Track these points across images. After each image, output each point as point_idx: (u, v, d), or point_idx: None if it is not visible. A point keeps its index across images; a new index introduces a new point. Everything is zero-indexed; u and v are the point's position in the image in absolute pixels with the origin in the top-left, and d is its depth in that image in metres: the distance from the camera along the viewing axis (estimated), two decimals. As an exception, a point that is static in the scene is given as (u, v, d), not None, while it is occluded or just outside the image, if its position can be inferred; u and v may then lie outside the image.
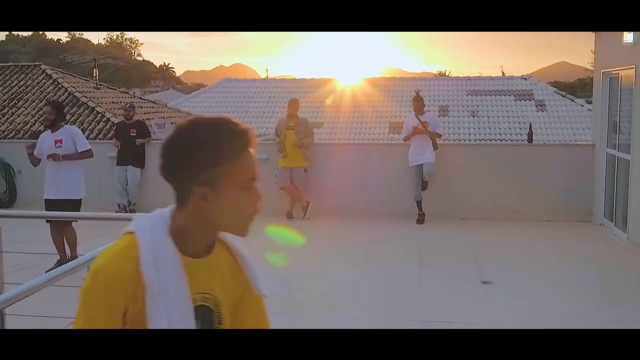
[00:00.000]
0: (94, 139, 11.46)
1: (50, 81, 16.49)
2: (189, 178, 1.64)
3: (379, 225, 9.06)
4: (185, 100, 26.80)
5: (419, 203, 9.37)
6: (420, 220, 9.29)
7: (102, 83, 18.59)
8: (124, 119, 10.65)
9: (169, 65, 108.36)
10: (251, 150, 1.67)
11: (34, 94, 16.01)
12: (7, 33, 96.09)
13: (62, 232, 6.91)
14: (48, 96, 15.76)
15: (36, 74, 16.99)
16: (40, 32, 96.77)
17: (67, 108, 15.34)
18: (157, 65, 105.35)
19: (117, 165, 10.07)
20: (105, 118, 14.82)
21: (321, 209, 9.61)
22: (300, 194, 9.68)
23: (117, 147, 10.16)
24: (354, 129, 23.68)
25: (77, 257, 5.89)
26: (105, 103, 15.81)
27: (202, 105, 24.61)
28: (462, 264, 7.25)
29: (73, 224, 6.97)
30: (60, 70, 18.25)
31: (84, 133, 13.29)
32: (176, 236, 1.69)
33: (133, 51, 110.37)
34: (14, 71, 17.50)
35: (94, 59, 19.99)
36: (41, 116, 7.11)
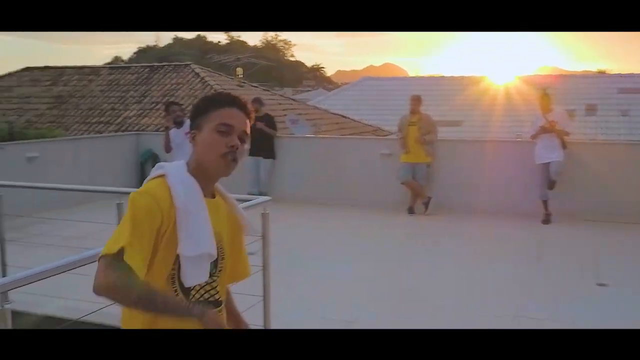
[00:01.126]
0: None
1: (199, 79, 17.66)
2: (192, 126, 2.12)
3: (502, 224, 8.86)
4: (326, 99, 27.45)
5: (545, 203, 9.05)
6: (546, 220, 8.97)
7: (244, 81, 19.59)
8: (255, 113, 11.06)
9: (320, 65, 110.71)
10: (238, 110, 2.11)
11: (183, 91, 17.25)
12: (173, 36, 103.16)
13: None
14: (196, 93, 16.91)
15: (186, 73, 18.28)
16: (202, 35, 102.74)
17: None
18: (309, 66, 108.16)
19: (249, 156, 10.61)
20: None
21: (444, 205, 9.57)
22: (422, 190, 9.70)
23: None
24: (501, 126, 22.97)
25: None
26: (247, 100, 16.65)
27: (342, 102, 25.10)
28: (581, 265, 6.94)
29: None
30: (209, 69, 19.48)
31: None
32: (196, 179, 2.09)
33: (286, 52, 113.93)
34: (168, 70, 18.96)
35: (237, 58, 21.07)
36: (173, 113, 8.02)
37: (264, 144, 10.52)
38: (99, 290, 1.83)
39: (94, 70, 20.40)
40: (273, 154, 10.65)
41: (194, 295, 2.06)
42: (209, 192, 2.13)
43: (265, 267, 4.39)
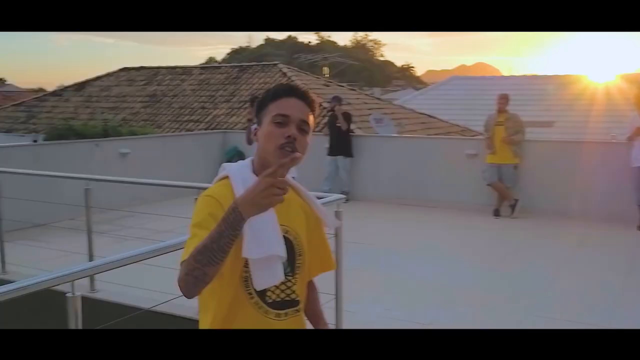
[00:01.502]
0: (320, 130, 12.12)
1: (285, 79, 17.84)
2: (257, 122, 2.06)
3: (593, 229, 8.45)
4: (413, 98, 27.11)
5: (641, 208, 8.56)
6: (642, 226, 8.48)
7: (331, 80, 19.63)
8: (332, 111, 10.99)
9: (410, 65, 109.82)
10: (296, 99, 2.01)
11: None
12: (265, 37, 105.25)
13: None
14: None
15: (274, 72, 18.53)
16: (293, 36, 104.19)
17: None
18: (399, 66, 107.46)
19: (327, 155, 10.63)
20: (330, 112, 15.64)
21: (531, 208, 9.24)
22: (508, 192, 9.41)
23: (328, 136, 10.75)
24: (597, 127, 21.85)
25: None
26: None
27: (428, 102, 24.69)
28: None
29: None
30: (296, 69, 19.66)
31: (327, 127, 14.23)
32: (257, 174, 2.01)
33: (376, 52, 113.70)
34: (256, 70, 19.30)
35: (324, 57, 21.15)
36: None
37: (342, 143, 10.49)
38: (183, 293, 1.81)
39: (186, 70, 21.05)
40: (350, 152, 10.57)
41: (269, 297, 2.00)
42: None
43: (337, 265, 4.36)
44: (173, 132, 16.38)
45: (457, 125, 19.94)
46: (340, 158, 10.51)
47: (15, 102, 22.89)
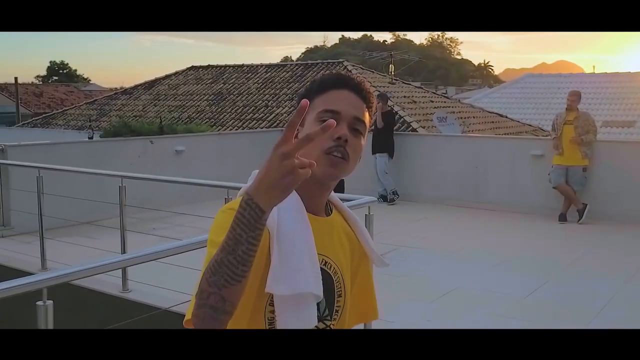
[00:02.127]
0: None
1: (350, 76, 17.63)
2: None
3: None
4: (484, 97, 26.28)
5: None
6: None
7: (396, 78, 19.24)
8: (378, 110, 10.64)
9: (488, 63, 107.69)
10: (349, 92, 1.60)
11: (333, 87, 17.27)
12: (340, 36, 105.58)
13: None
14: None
15: (339, 70, 18.29)
16: (368, 34, 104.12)
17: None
18: (476, 64, 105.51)
19: (372, 154, 10.24)
20: (394, 111, 15.28)
21: (601, 213, 8.61)
22: (576, 196, 8.80)
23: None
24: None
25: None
26: (397, 97, 16.30)
27: (500, 101, 23.90)
28: None
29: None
30: (361, 66, 19.36)
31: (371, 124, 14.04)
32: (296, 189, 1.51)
33: (453, 50, 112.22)
34: (321, 68, 19.14)
35: (390, 54, 20.77)
36: None
37: (378, 141, 10.09)
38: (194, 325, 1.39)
39: (251, 68, 21.08)
40: (388, 151, 10.17)
41: None
42: (320, 207, 1.63)
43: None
44: (235, 130, 16.38)
45: (529, 125, 19.13)
46: (377, 156, 10.14)
47: (89, 101, 23.62)
